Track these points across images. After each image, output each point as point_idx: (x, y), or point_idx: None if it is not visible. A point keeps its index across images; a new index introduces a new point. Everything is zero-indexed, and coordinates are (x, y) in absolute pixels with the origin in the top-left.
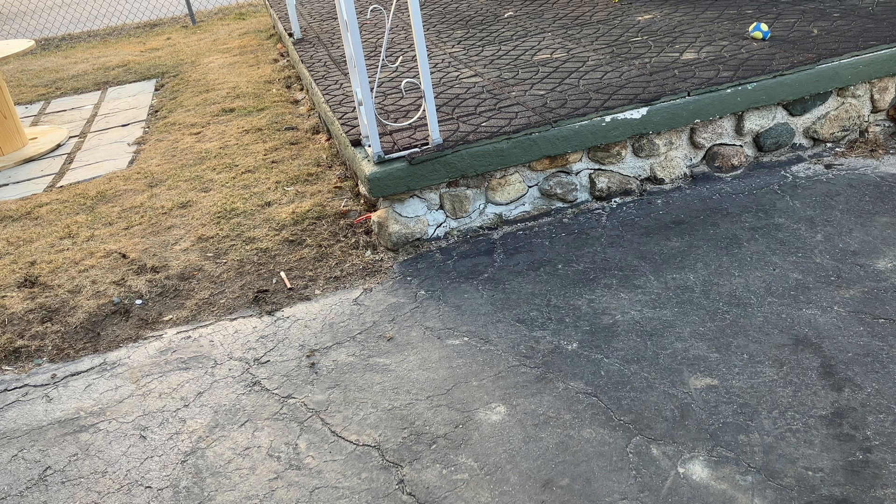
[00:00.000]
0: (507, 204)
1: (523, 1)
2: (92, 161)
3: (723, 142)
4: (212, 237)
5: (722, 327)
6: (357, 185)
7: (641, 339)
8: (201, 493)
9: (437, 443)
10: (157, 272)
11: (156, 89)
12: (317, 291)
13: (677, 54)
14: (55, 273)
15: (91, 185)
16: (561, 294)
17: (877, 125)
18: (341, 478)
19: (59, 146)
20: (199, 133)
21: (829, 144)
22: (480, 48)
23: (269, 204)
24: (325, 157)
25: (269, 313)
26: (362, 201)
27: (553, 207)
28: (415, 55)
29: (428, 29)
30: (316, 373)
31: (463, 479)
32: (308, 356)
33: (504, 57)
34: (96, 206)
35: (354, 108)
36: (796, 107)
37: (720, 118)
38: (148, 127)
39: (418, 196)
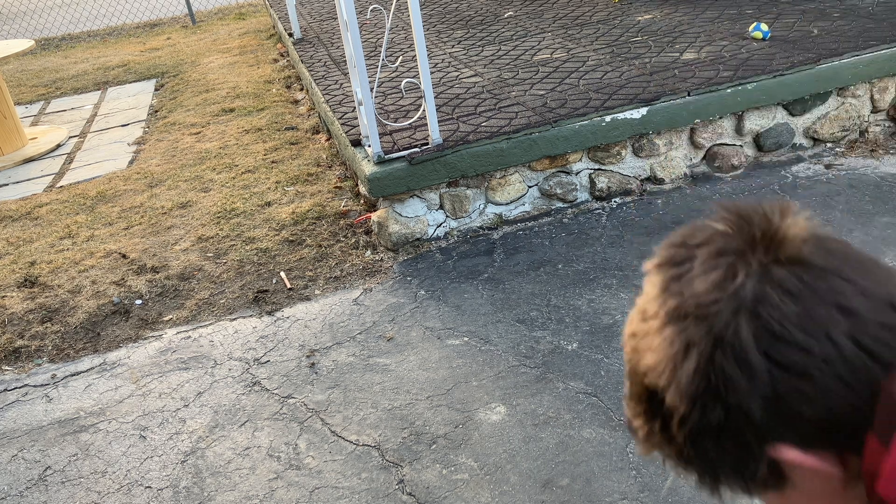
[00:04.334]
0: (507, 204)
1: (523, 1)
2: (92, 161)
3: (723, 142)
4: (212, 237)
5: None
6: (357, 185)
7: None
8: (201, 493)
9: (437, 443)
10: (157, 272)
11: (156, 89)
12: (317, 291)
13: (677, 54)
14: (55, 273)
15: (91, 185)
16: (561, 294)
17: (877, 125)
18: (341, 478)
19: (58, 146)
20: (199, 133)
21: (829, 144)
22: (480, 48)
23: (269, 204)
24: (325, 157)
25: (269, 313)
26: (362, 201)
27: (553, 207)
28: (415, 55)
29: (428, 29)
30: (316, 373)
31: (463, 479)
32: (308, 356)
33: (504, 57)
34: (96, 206)
35: (354, 108)
36: (796, 107)
37: (720, 118)
38: (148, 127)
39: (418, 196)
